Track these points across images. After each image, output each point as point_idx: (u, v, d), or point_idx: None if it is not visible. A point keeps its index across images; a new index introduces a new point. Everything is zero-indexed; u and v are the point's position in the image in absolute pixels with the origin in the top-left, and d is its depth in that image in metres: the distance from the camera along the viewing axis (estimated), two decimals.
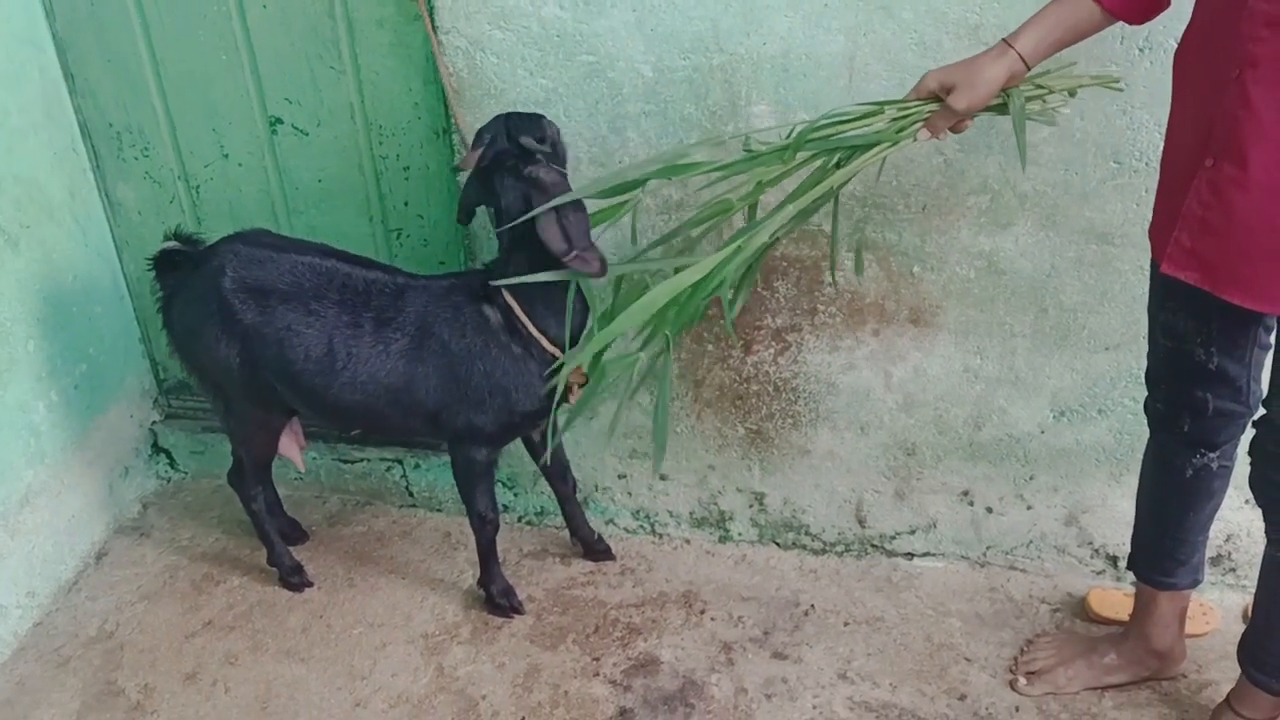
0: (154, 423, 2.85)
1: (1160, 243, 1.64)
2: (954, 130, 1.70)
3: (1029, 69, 1.63)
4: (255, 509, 2.44)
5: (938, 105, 1.68)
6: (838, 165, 1.75)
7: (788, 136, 1.77)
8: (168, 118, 2.48)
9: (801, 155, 1.77)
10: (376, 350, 2.03)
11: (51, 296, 2.44)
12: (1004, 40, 1.62)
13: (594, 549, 2.54)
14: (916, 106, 1.70)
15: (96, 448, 2.63)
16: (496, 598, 2.38)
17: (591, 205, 1.90)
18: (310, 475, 2.80)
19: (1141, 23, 1.64)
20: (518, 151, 1.90)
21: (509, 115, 1.96)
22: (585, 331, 2.03)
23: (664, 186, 2.18)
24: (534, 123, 1.95)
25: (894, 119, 1.72)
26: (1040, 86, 1.71)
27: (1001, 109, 1.69)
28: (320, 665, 2.28)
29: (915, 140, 1.71)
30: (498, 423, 2.10)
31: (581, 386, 2.12)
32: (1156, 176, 1.74)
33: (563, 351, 2.03)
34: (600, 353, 1.93)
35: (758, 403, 2.39)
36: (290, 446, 2.40)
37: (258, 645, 2.34)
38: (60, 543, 2.52)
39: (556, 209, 1.83)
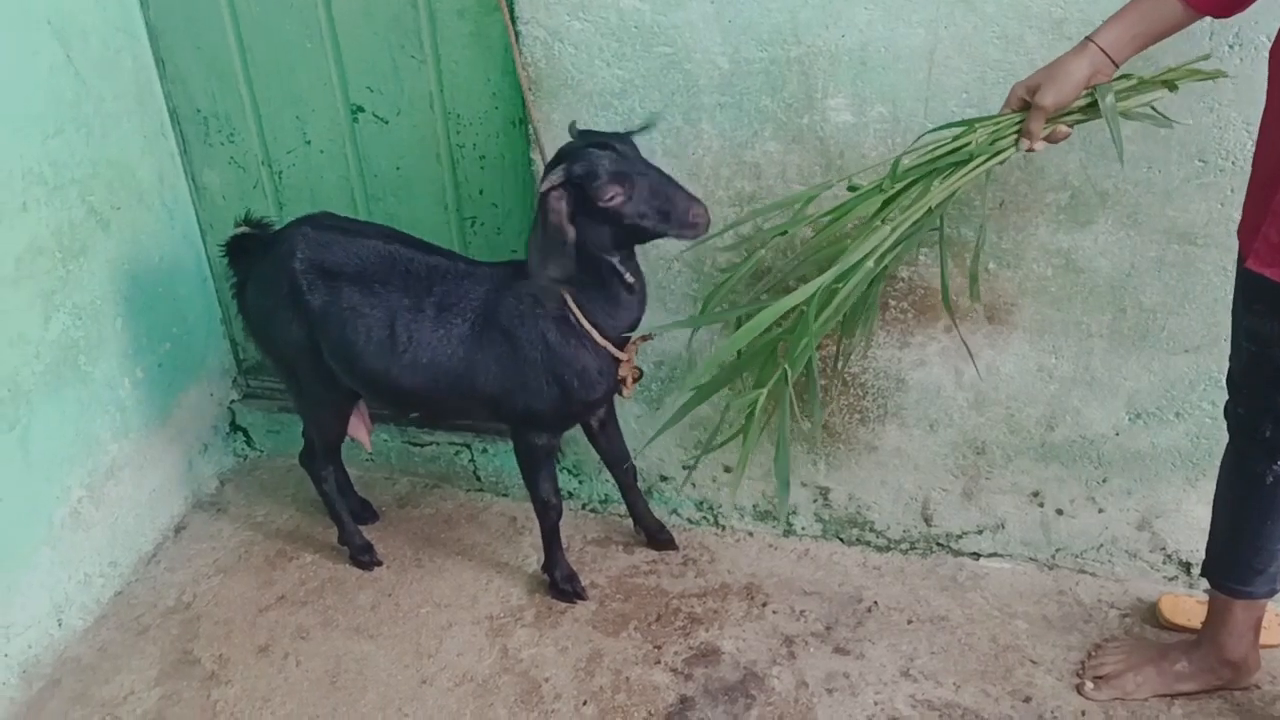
0: (232, 402, 2.93)
1: (1248, 240, 1.61)
2: (1051, 140, 1.66)
3: (1115, 64, 1.60)
4: (326, 489, 2.50)
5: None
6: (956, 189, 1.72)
7: (893, 169, 1.76)
8: (253, 104, 2.54)
9: (902, 183, 1.75)
10: (438, 334, 2.07)
11: (139, 277, 2.53)
12: (1086, 37, 1.60)
13: (657, 538, 2.55)
14: (1008, 118, 1.68)
15: (178, 424, 2.72)
16: (560, 583, 2.41)
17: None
18: (381, 457, 2.86)
19: (1228, 16, 1.60)
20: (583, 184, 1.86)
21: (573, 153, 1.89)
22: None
23: (736, 179, 2.18)
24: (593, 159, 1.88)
25: (990, 132, 1.69)
26: (1128, 77, 1.67)
27: (1094, 111, 1.64)
28: (388, 642, 2.33)
29: (1017, 151, 1.67)
30: (555, 409, 2.12)
31: (636, 380, 2.15)
32: (1242, 176, 1.70)
33: (615, 345, 2.06)
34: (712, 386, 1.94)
35: (825, 397, 2.38)
36: (358, 427, 2.45)
37: (328, 621, 2.40)
38: (141, 515, 2.61)
39: (645, 194, 1.85)
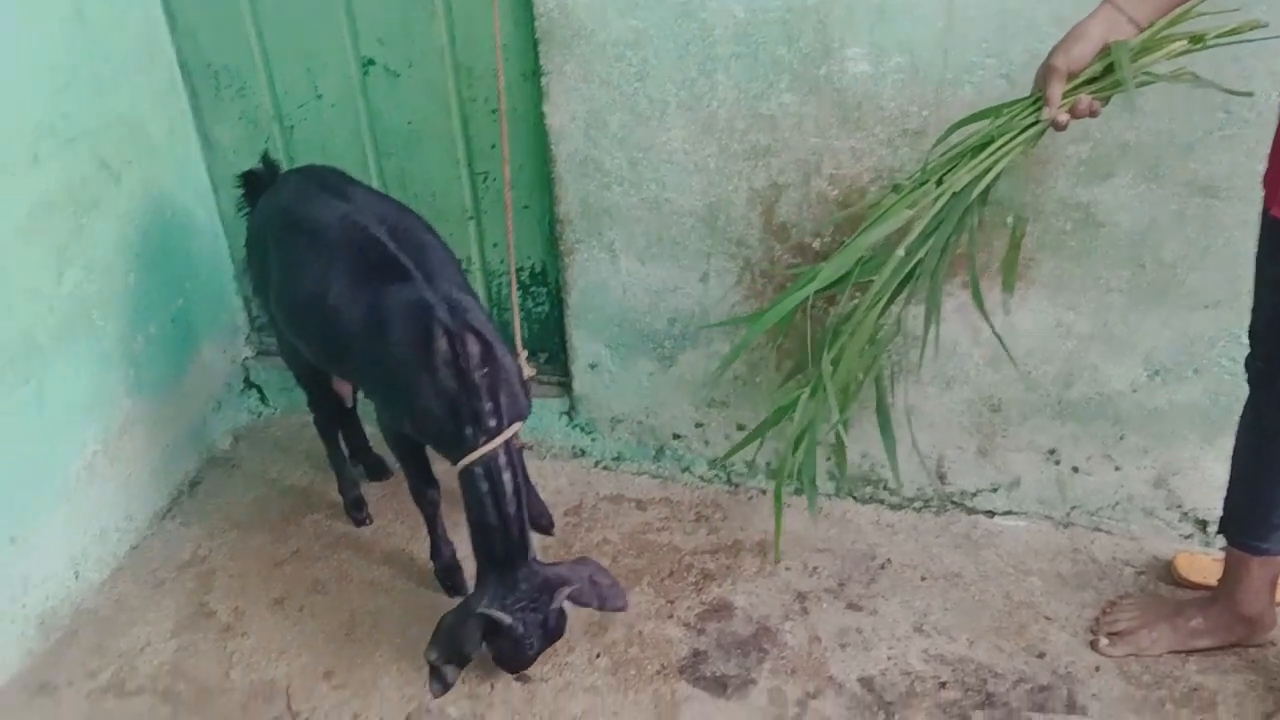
0: (245, 359, 2.94)
1: (1274, 190, 1.58)
2: (1076, 113, 1.58)
3: (1136, 24, 1.54)
4: (328, 439, 2.53)
5: None
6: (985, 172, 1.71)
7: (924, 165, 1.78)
8: (264, 58, 2.52)
9: (934, 175, 1.75)
10: (341, 312, 2.02)
11: (151, 232, 2.52)
12: None
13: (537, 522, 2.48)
14: (1031, 96, 1.64)
15: (191, 381, 2.72)
16: (437, 573, 2.35)
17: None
18: None
19: None
20: None
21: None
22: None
23: (751, 132, 2.16)
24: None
25: (1012, 113, 1.67)
26: (1154, 37, 1.59)
27: (1116, 86, 1.57)
28: (402, 597, 2.34)
29: (1040, 124, 1.61)
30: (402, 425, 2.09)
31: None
32: (1268, 128, 1.66)
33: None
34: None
35: (839, 355, 2.36)
36: (340, 382, 2.46)
37: (343, 575, 2.41)
38: (156, 471, 2.62)
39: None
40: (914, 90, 2.02)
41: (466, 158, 2.51)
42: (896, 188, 1.84)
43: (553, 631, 1.99)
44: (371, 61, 2.44)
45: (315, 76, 2.50)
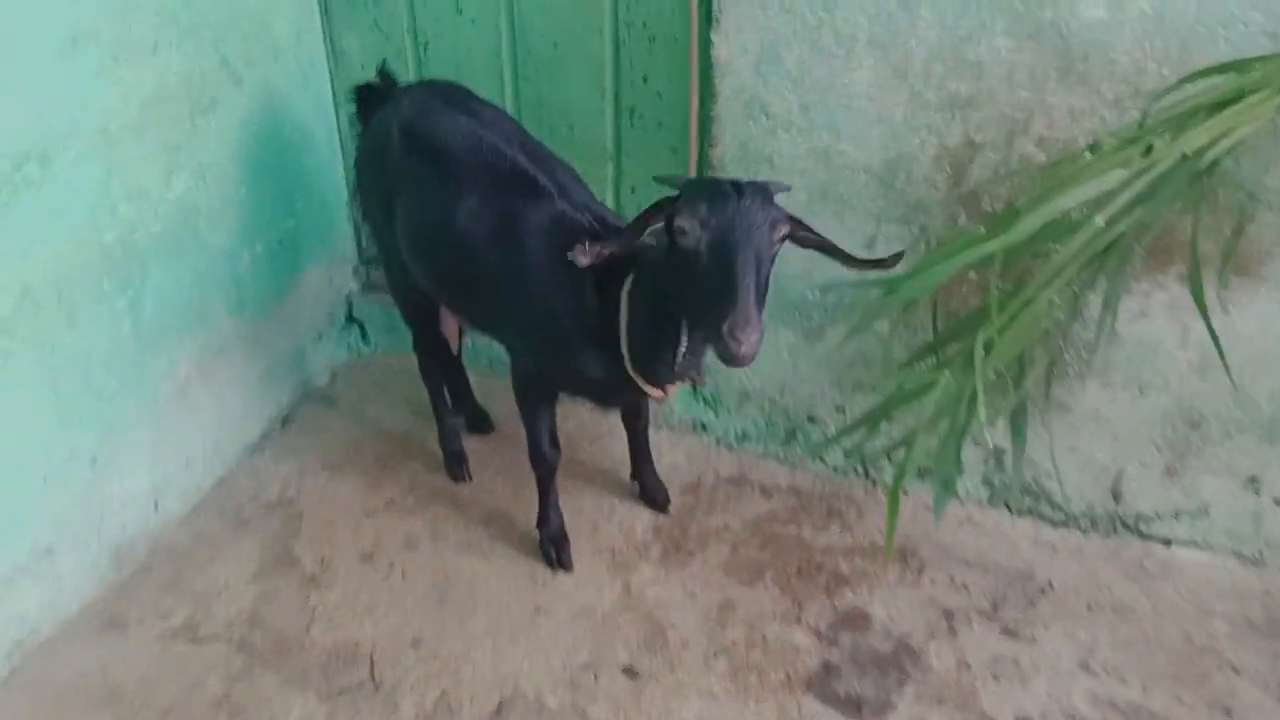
0: (350, 292, 2.75)
1: None
2: None
3: None
4: (431, 384, 2.37)
5: None
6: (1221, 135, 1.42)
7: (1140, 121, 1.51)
8: None
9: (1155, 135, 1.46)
10: (475, 233, 1.87)
11: (267, 143, 2.34)
12: None
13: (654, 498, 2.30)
14: None
15: (292, 308, 2.54)
16: (543, 542, 2.15)
17: None
18: (505, 368, 2.64)
19: None
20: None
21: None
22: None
23: (950, 79, 1.88)
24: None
25: (1273, 68, 1.38)
26: None
27: None
28: (501, 563, 2.14)
29: None
30: (546, 363, 1.93)
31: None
32: None
33: (637, 367, 1.77)
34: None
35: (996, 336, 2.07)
36: (448, 323, 2.30)
37: (437, 533, 2.21)
38: (249, 400, 2.44)
39: (713, 261, 1.51)
40: (1155, 43, 1.73)
41: (613, 89, 2.27)
42: (1093, 148, 1.55)
43: (749, 206, 1.50)
44: None
45: None
